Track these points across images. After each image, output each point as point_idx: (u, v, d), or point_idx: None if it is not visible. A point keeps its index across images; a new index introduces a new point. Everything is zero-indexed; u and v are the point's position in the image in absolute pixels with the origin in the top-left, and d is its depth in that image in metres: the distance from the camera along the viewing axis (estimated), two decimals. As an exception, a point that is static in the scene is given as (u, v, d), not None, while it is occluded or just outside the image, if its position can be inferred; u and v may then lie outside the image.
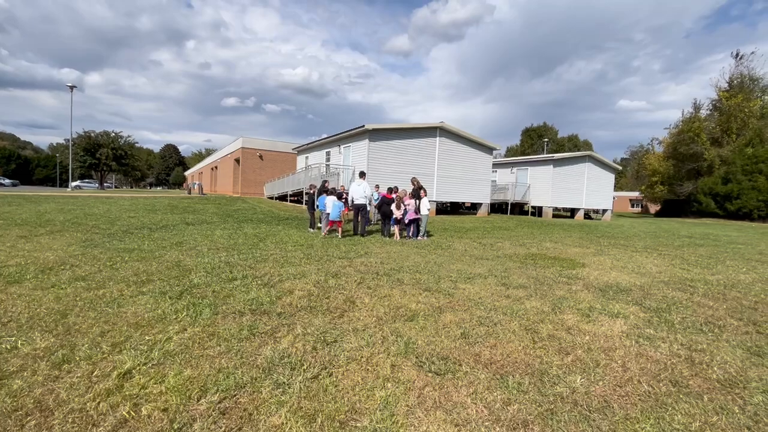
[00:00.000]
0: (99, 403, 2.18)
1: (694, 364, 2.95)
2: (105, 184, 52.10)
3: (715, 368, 2.89)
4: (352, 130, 17.52)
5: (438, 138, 18.74)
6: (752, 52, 34.58)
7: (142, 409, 2.14)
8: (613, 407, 2.33)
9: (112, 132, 50.33)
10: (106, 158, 47.66)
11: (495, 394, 2.43)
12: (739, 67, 35.03)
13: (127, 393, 2.29)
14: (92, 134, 48.10)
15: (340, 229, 9.88)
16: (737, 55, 35.34)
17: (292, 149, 28.14)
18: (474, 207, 22.49)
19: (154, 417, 2.08)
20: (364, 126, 16.49)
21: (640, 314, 4.15)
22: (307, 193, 13.86)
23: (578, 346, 3.20)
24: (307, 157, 24.36)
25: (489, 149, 20.97)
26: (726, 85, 35.55)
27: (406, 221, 10.24)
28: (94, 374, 2.48)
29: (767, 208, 28.77)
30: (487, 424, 2.13)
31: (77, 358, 2.68)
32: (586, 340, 3.33)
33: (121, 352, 2.78)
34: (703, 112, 37.23)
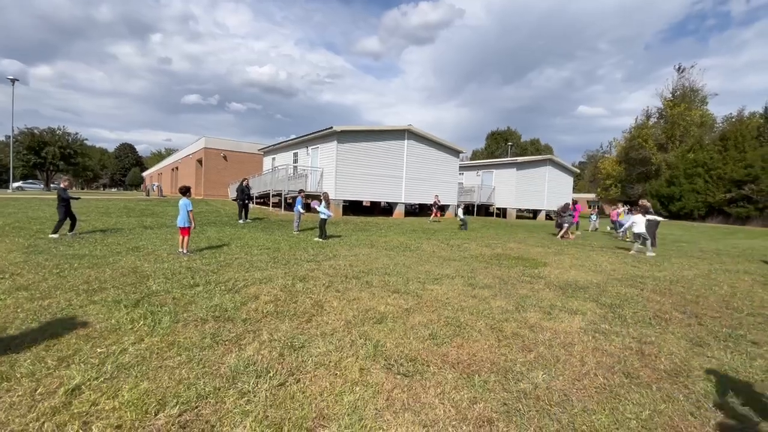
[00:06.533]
0: (43, 423, 2.01)
1: (644, 356, 3.16)
2: (52, 185, 48.35)
3: (663, 359, 3.11)
4: (320, 131, 17.33)
5: (406, 141, 18.93)
6: (692, 66, 37.78)
7: (93, 427, 2.00)
8: (572, 400, 2.44)
9: (58, 129, 46.79)
10: (52, 157, 44.25)
11: (462, 393, 2.48)
12: (681, 79, 38.12)
13: (75, 411, 2.12)
14: (36, 131, 44.52)
15: (185, 239, 6.83)
16: (679, 68, 38.47)
17: (258, 150, 27.46)
18: (441, 209, 22.91)
19: (107, 435, 1.95)
20: (332, 127, 16.36)
21: (596, 310, 4.39)
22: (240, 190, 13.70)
23: (540, 343, 3.33)
24: (273, 159, 23.85)
25: (456, 152, 21.45)
26: (670, 95, 38.55)
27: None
28: (38, 392, 2.29)
29: (706, 209, 31.40)
30: (454, 423, 2.17)
31: (18, 375, 2.46)
32: (548, 337, 3.48)
33: (68, 367, 2.58)
34: (652, 120, 40.14)
